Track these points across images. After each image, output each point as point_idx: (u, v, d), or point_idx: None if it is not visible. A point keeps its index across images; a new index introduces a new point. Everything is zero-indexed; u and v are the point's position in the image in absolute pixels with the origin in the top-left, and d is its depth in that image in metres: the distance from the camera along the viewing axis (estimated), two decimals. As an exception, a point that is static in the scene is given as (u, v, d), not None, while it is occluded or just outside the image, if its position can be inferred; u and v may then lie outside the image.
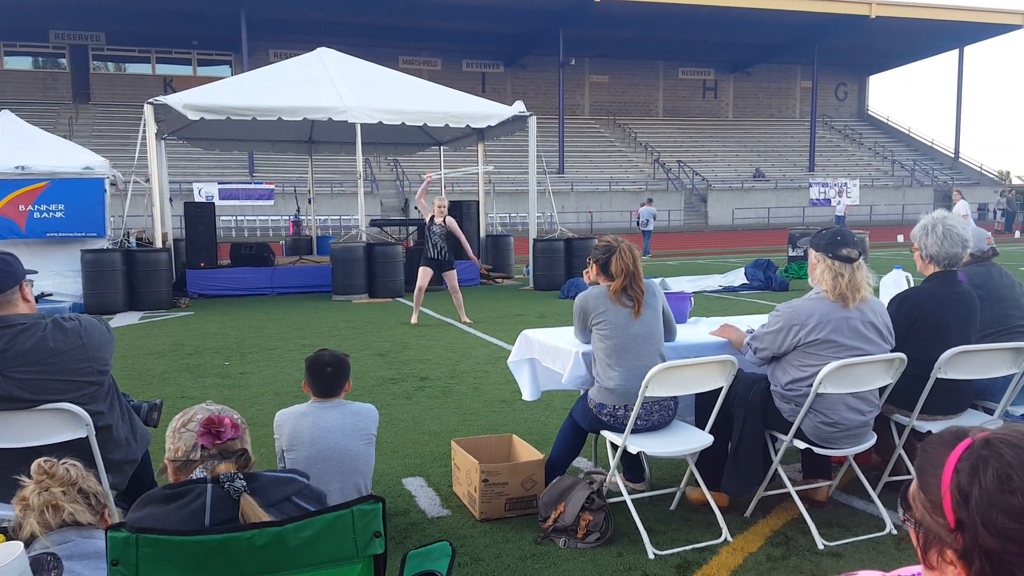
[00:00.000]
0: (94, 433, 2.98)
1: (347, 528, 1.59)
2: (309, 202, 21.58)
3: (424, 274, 10.22)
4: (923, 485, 1.06)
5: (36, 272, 3.50)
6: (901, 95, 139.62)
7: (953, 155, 48.85)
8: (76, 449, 2.64)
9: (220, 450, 1.96)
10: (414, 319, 10.39)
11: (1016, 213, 36.81)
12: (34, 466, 1.99)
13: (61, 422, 2.95)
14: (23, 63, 41.37)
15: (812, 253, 3.66)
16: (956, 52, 47.04)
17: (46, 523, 1.91)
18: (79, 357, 3.02)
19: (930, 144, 51.25)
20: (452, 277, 10.37)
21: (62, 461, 2.02)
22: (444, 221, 10.20)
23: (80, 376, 3.02)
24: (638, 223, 25.56)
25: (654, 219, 25.43)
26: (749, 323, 4.42)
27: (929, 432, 3.67)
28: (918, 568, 1.10)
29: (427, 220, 10.23)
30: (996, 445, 1.00)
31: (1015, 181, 52.59)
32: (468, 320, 10.39)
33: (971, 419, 3.87)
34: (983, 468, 0.98)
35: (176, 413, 2.07)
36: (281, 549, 1.51)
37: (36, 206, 12.17)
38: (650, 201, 26.49)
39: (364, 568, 1.62)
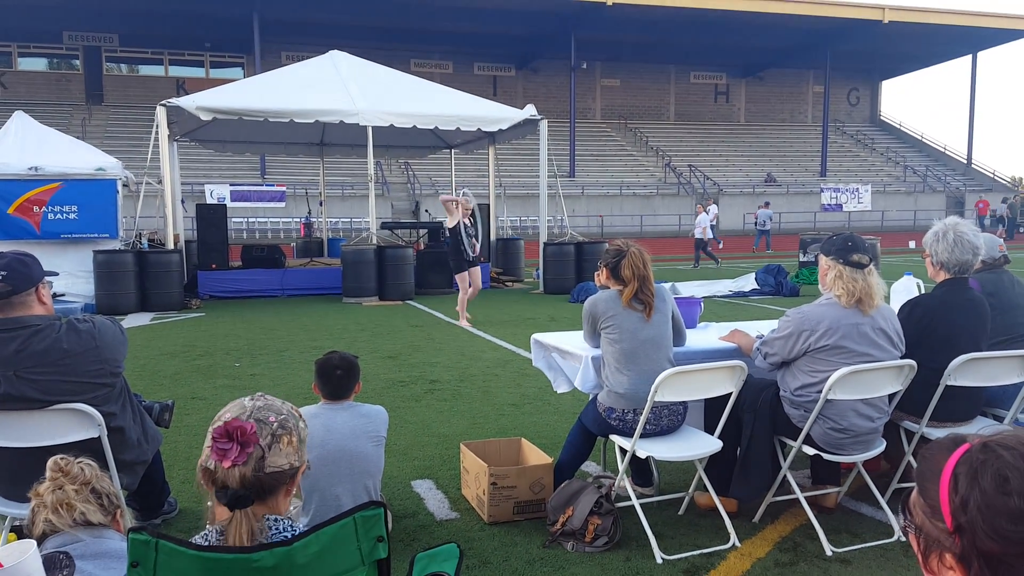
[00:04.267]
0: (106, 434, 3.01)
1: (351, 536, 1.59)
2: (320, 204, 21.68)
3: (465, 279, 10.28)
4: (922, 491, 1.07)
5: (57, 274, 3.53)
6: (914, 100, 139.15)
7: (966, 161, 48.60)
8: (88, 450, 2.66)
9: (222, 480, 1.60)
10: (463, 321, 10.42)
11: (1016, 219, 36.55)
12: (50, 463, 2.01)
13: (74, 422, 2.98)
14: (37, 64, 41.68)
15: (823, 259, 3.66)
16: (969, 57, 46.81)
17: (59, 521, 1.93)
18: (92, 359, 3.04)
19: (943, 150, 51.00)
20: (478, 273, 10.44)
21: (78, 460, 2.04)
22: (473, 216, 10.25)
23: (93, 377, 3.05)
24: (755, 223, 29.50)
25: (771, 220, 28.94)
26: (759, 328, 4.42)
27: (939, 439, 3.66)
28: None
29: (454, 223, 10.14)
30: (994, 449, 1.01)
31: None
32: (468, 317, 10.47)
33: (980, 426, 3.86)
34: (981, 472, 1.00)
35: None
36: (292, 568, 1.50)
37: (50, 207, 12.26)
38: (767, 204, 29.74)
39: (368, 574, 1.63)
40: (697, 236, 21.54)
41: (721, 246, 28.32)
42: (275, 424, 1.67)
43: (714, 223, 28.13)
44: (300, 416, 1.76)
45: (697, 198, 40.17)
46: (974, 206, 38.87)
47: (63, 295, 11.92)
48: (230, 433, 1.61)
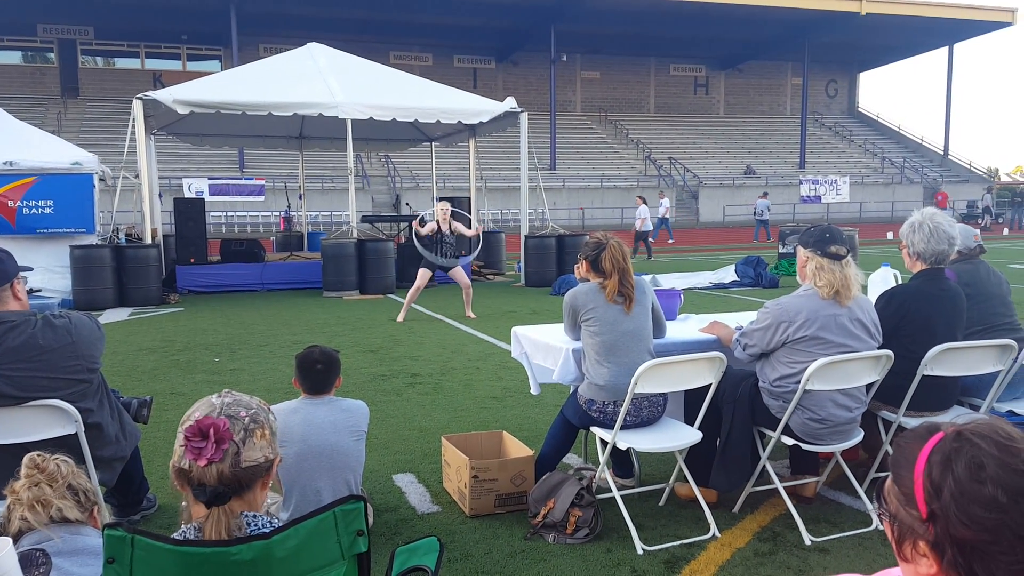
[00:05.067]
0: (83, 430, 2.98)
1: (330, 530, 1.58)
2: (300, 198, 21.53)
3: (424, 276, 10.25)
4: (897, 479, 1.09)
5: (31, 269, 3.49)
6: (891, 92, 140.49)
7: (942, 152, 49.07)
8: (65, 446, 2.63)
9: (198, 479, 1.59)
10: (401, 317, 10.39)
11: (990, 208, 36.90)
12: (26, 459, 1.99)
13: (50, 419, 2.95)
14: (11, 57, 41.06)
15: (801, 250, 3.68)
16: (946, 49, 47.23)
17: (35, 519, 1.92)
18: (69, 355, 3.01)
19: (920, 141, 51.46)
20: (461, 273, 10.42)
21: (54, 457, 2.02)
22: (451, 228, 10.24)
23: (69, 374, 3.02)
24: (754, 213, 30.12)
25: (768, 210, 29.59)
26: (739, 320, 4.45)
27: (916, 428, 3.70)
28: (899, 570, 1.12)
29: (434, 230, 10.19)
30: (967, 437, 1.03)
31: (1003, 179, 52.93)
32: (472, 315, 10.48)
33: (955, 415, 3.91)
34: (955, 459, 1.01)
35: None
36: (270, 561, 1.49)
37: (25, 202, 12.10)
38: (765, 195, 30.45)
39: (348, 568, 1.62)
40: (637, 228, 21.96)
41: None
42: (247, 419, 1.67)
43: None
44: (269, 409, 1.77)
45: (677, 190, 40.38)
46: (933, 198, 39.05)
47: (39, 291, 11.77)
48: (203, 431, 1.60)
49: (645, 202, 22.99)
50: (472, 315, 10.49)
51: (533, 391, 4.39)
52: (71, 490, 1.98)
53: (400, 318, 10.35)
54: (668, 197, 29.85)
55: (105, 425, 3.21)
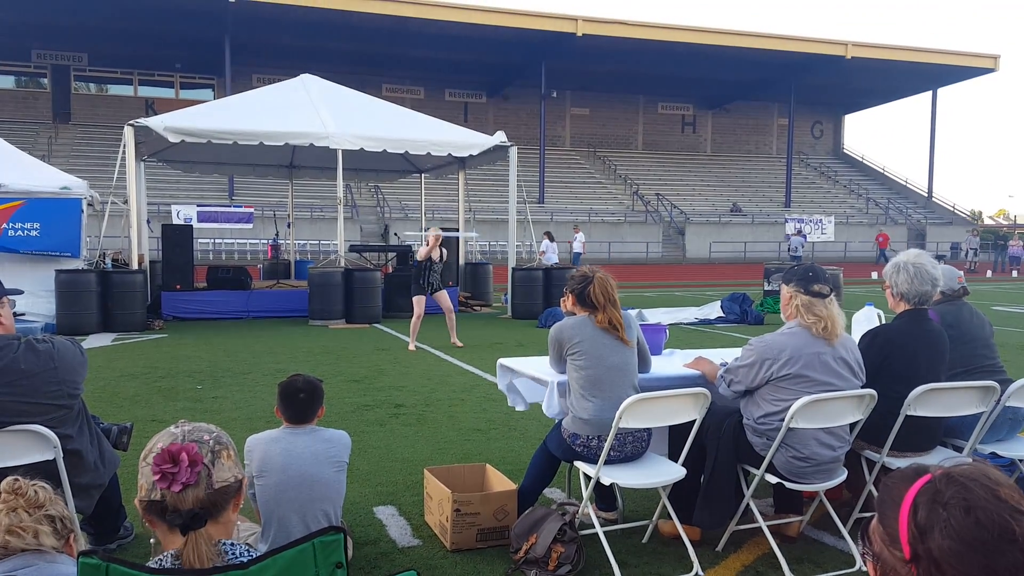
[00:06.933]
0: (62, 456, 2.95)
1: (309, 562, 1.57)
2: (288, 226, 21.54)
3: (420, 302, 10.35)
4: (882, 519, 1.09)
5: (22, 292, 3.45)
6: (876, 134, 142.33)
7: (926, 194, 49.67)
8: (43, 472, 2.60)
9: (173, 503, 1.58)
10: (412, 346, 10.50)
11: (976, 250, 37.36)
12: (4, 484, 1.97)
13: (29, 444, 2.92)
14: (4, 82, 41.09)
15: (784, 288, 3.71)
16: (930, 93, 48.01)
17: (10, 546, 1.89)
18: (50, 380, 2.98)
19: (904, 183, 52.09)
20: (445, 296, 10.52)
21: (32, 482, 1.99)
22: (442, 257, 10.38)
23: (50, 399, 2.99)
24: (788, 249, 31.31)
25: (802, 247, 30.66)
26: (723, 356, 4.46)
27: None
28: None
29: (425, 256, 10.22)
30: (956, 480, 1.03)
31: (987, 222, 53.58)
32: (459, 343, 10.55)
33: (940, 457, 3.92)
34: (941, 502, 1.01)
35: (147, 437, 1.89)
36: None
37: (11, 224, 12.03)
38: (799, 231, 30.53)
39: None
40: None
41: None
42: (211, 441, 1.67)
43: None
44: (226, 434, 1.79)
45: (664, 227, 40.66)
46: (875, 239, 39.45)
47: (23, 314, 11.66)
48: (174, 456, 1.59)
49: (550, 237, 23.72)
50: (459, 343, 10.52)
51: (513, 405, 4.42)
52: (48, 517, 1.95)
53: (411, 347, 10.45)
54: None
55: (84, 452, 3.18)
